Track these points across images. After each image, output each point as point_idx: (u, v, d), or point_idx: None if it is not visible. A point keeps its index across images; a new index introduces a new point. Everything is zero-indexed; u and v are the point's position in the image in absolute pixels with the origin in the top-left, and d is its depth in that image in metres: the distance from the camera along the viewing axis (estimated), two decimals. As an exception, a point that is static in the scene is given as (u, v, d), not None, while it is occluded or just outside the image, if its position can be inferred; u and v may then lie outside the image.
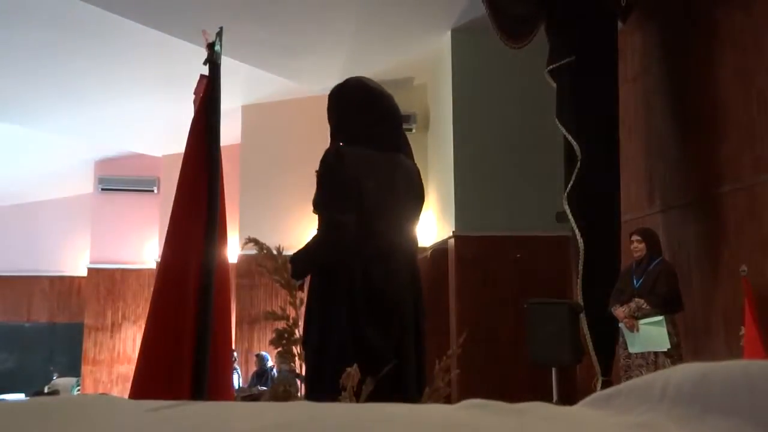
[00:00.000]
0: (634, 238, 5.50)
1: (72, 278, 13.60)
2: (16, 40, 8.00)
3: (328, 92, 2.83)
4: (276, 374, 9.48)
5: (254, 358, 9.73)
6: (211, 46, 2.41)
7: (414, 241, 2.69)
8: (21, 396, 10.38)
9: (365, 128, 2.63)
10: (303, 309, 2.30)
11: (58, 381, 11.68)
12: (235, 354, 9.68)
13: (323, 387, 2.04)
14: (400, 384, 2.36)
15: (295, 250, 2.60)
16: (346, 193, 2.50)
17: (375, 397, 1.83)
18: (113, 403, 0.86)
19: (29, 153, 12.01)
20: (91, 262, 12.79)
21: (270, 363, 9.41)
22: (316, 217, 2.68)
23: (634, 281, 5.40)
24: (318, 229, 2.60)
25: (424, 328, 2.62)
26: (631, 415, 0.73)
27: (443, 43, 8.29)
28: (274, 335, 1.92)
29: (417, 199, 2.70)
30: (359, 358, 2.01)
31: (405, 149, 2.73)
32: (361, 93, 2.70)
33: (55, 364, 12.92)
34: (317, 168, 2.61)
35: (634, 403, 0.75)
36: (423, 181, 2.79)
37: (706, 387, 0.69)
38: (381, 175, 2.58)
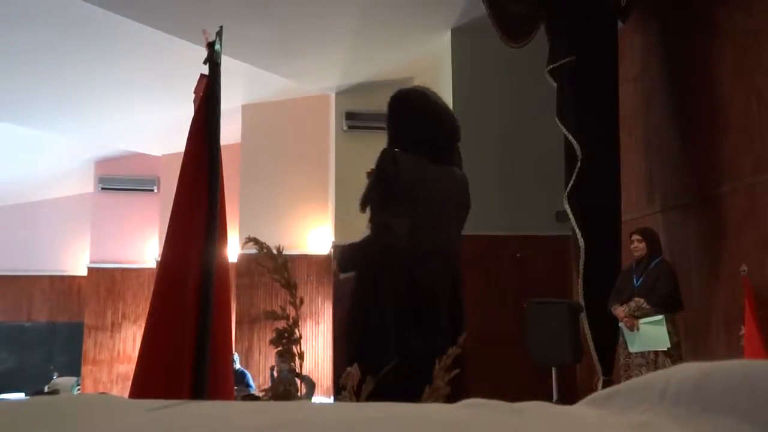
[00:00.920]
0: (634, 237, 5.50)
1: (72, 278, 13.59)
2: (16, 39, 8.00)
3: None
4: (273, 374, 9.50)
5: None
6: (211, 46, 2.41)
7: (457, 249, 2.78)
8: (21, 395, 10.38)
9: (425, 139, 2.70)
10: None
11: (58, 380, 11.67)
12: (236, 356, 9.68)
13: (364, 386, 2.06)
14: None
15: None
16: (400, 197, 2.56)
17: (409, 398, 1.84)
18: (113, 403, 0.86)
19: (29, 152, 12.01)
20: (91, 262, 12.80)
21: (237, 365, 9.41)
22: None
23: (634, 281, 5.40)
24: (370, 229, 2.63)
25: (462, 332, 2.69)
26: (631, 415, 0.73)
27: (443, 42, 8.29)
28: (274, 335, 1.91)
29: (464, 209, 2.81)
30: (401, 359, 2.05)
31: (457, 161, 2.81)
32: (427, 104, 2.78)
33: (55, 364, 12.91)
34: (369, 168, 2.68)
35: (634, 402, 0.75)
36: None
37: (706, 387, 0.69)
38: (433, 184, 2.66)
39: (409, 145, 2.68)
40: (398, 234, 2.51)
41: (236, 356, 9.40)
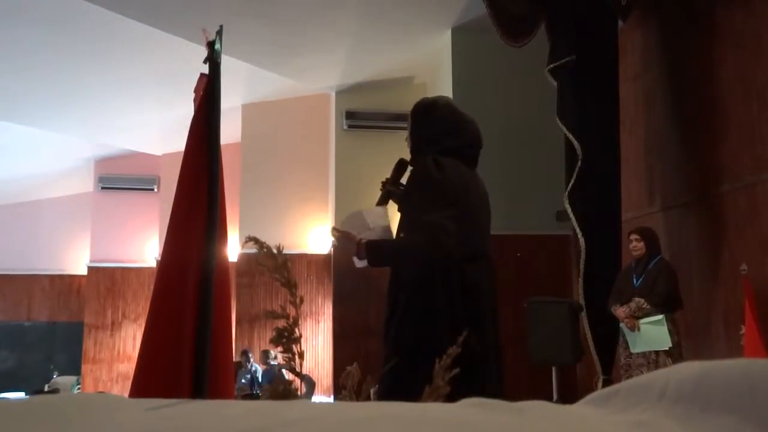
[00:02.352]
0: (633, 237, 5.50)
1: (72, 277, 13.60)
2: (16, 38, 8.00)
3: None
4: (260, 372, 9.49)
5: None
6: (211, 45, 2.41)
7: (490, 250, 2.90)
8: (21, 395, 10.38)
9: (457, 146, 2.80)
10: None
11: (58, 380, 11.67)
12: (251, 355, 9.68)
13: (413, 387, 2.08)
14: (487, 383, 2.53)
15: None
16: (447, 200, 2.62)
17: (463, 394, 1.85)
18: (113, 402, 0.86)
19: (29, 152, 12.01)
20: (91, 261, 12.80)
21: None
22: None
23: (634, 280, 5.40)
24: (413, 231, 2.67)
25: (499, 329, 2.80)
26: (631, 414, 0.73)
27: (443, 41, 8.29)
28: (274, 334, 1.91)
29: (490, 213, 2.95)
30: (459, 360, 2.06)
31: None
32: (455, 114, 2.89)
33: (55, 363, 12.91)
34: (385, 179, 2.84)
35: (634, 401, 0.75)
36: None
37: (706, 386, 0.69)
38: (473, 188, 2.79)
39: (443, 151, 2.76)
40: (452, 236, 2.57)
41: (272, 353, 9.38)
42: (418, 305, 2.59)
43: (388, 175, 2.99)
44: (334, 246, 2.75)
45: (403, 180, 2.93)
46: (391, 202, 2.93)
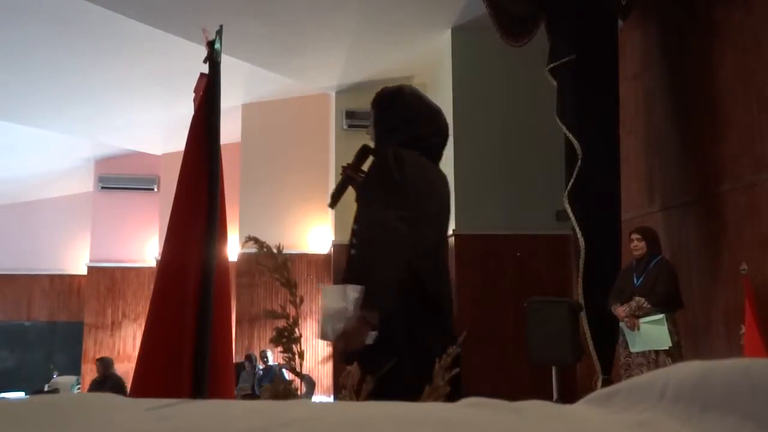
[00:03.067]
0: (634, 236, 5.50)
1: (72, 277, 13.60)
2: (16, 38, 8.00)
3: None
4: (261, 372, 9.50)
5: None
6: (211, 44, 2.41)
7: (447, 246, 2.83)
8: (21, 394, 10.38)
9: (415, 138, 2.66)
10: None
11: (58, 379, 11.67)
12: (256, 355, 9.68)
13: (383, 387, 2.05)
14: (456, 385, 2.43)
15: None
16: (404, 194, 2.52)
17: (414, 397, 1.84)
18: (113, 402, 0.86)
19: (29, 151, 12.01)
20: (91, 261, 12.80)
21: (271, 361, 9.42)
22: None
23: (635, 280, 5.40)
24: (363, 225, 2.57)
25: (453, 330, 2.73)
26: (631, 413, 0.73)
27: (443, 41, 8.29)
28: (274, 334, 1.91)
29: (449, 209, 2.83)
30: (416, 360, 2.04)
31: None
32: (421, 103, 2.77)
33: (55, 363, 12.92)
34: (345, 163, 2.70)
35: (634, 401, 0.75)
36: None
37: (706, 385, 0.69)
38: (433, 182, 2.66)
39: (406, 142, 2.64)
40: (401, 234, 2.46)
41: (269, 353, 9.37)
42: (370, 303, 2.45)
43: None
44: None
45: (366, 167, 2.80)
46: (350, 189, 2.81)
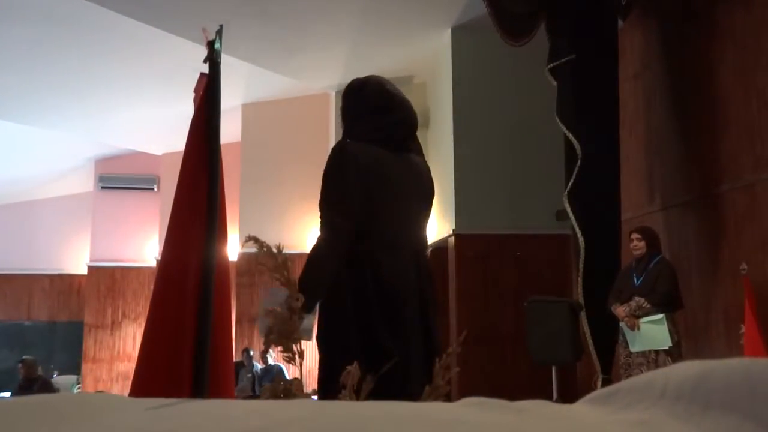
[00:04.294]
0: (634, 236, 5.50)
1: (72, 276, 13.60)
2: (15, 37, 8.00)
3: (341, 89, 2.80)
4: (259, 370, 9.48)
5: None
6: (211, 44, 2.41)
7: (421, 239, 2.70)
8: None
9: (377, 128, 2.62)
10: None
11: (59, 379, 11.68)
12: (252, 352, 9.67)
13: (334, 386, 2.04)
14: (408, 383, 2.34)
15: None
16: (349, 191, 2.47)
17: (382, 396, 1.84)
18: (113, 402, 0.86)
19: (29, 151, 12.01)
20: (91, 261, 12.80)
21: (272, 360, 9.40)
22: (315, 216, 2.66)
23: (634, 280, 5.40)
24: (319, 230, 2.56)
25: (434, 325, 2.62)
26: (631, 413, 0.73)
27: (443, 41, 8.29)
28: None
29: (426, 197, 2.71)
30: (367, 357, 2.02)
31: (416, 150, 2.73)
32: (377, 94, 2.69)
33: (55, 363, 12.92)
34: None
35: (634, 400, 0.75)
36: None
37: (706, 385, 0.69)
38: (387, 173, 2.57)
39: (364, 135, 2.60)
40: (344, 233, 2.44)
41: (271, 353, 9.33)
42: (329, 306, 2.47)
43: None
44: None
45: None
46: None
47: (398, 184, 2.58)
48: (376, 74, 2.87)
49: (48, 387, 9.08)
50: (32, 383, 8.96)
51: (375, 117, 2.64)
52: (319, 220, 2.54)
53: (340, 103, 2.87)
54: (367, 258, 2.47)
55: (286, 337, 2.14)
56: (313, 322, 2.48)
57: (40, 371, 9.45)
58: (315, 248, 2.51)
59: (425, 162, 2.76)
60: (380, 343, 2.39)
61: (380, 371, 1.93)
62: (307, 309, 2.30)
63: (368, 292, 2.44)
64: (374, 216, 2.50)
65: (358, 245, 2.46)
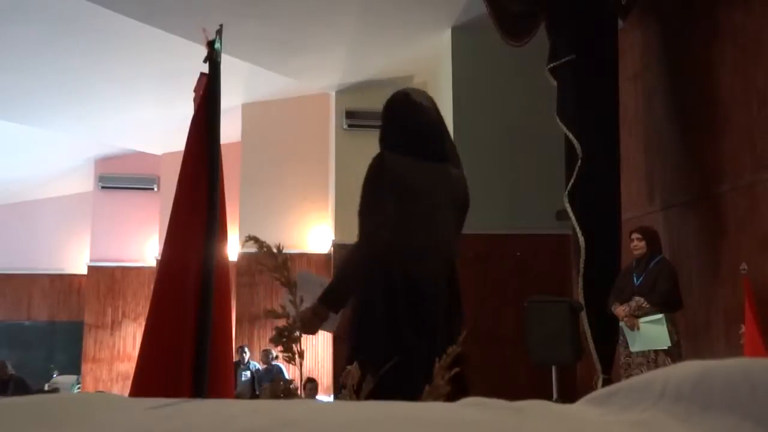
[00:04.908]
0: (635, 236, 5.50)
1: (72, 276, 13.59)
2: (15, 37, 8.00)
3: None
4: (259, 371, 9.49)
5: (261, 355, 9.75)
6: (211, 44, 2.41)
7: (452, 248, 2.76)
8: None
9: (407, 139, 2.72)
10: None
11: (59, 379, 11.67)
12: (246, 350, 9.68)
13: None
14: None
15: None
16: (383, 200, 2.58)
17: (402, 396, 1.85)
18: (113, 401, 0.86)
19: (29, 151, 12.01)
20: (91, 261, 12.80)
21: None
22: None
23: (635, 279, 5.40)
24: (358, 237, 2.66)
25: (459, 331, 2.69)
26: (630, 413, 0.73)
27: (443, 41, 8.29)
28: (274, 333, 1.91)
29: (460, 207, 2.79)
30: (395, 358, 2.05)
31: (452, 158, 2.81)
32: (403, 106, 2.80)
33: (56, 362, 12.92)
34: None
35: (633, 400, 0.75)
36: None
37: (706, 385, 0.69)
38: (422, 181, 2.67)
39: (396, 145, 2.70)
40: (380, 241, 2.53)
41: (273, 352, 9.34)
42: (363, 311, 2.56)
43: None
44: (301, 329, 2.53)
45: None
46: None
47: (430, 194, 2.67)
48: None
49: (22, 385, 9.04)
50: (6, 384, 8.95)
51: (401, 128, 2.75)
52: (358, 227, 2.64)
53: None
54: (400, 266, 2.54)
55: (307, 329, 2.29)
56: (336, 319, 2.62)
57: (11, 370, 9.38)
58: (350, 253, 2.64)
59: (462, 173, 2.84)
60: (408, 345, 2.44)
61: (407, 372, 1.97)
62: (335, 308, 2.53)
63: (399, 299, 2.52)
64: (407, 225, 2.59)
65: (390, 253, 2.55)
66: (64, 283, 13.69)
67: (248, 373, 9.44)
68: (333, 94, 9.96)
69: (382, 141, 2.78)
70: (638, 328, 5.22)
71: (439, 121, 2.82)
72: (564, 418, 0.75)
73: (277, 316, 1.88)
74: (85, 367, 12.34)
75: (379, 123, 2.88)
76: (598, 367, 5.67)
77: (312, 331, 2.55)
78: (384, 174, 2.60)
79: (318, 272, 10.46)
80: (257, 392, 9.08)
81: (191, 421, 0.72)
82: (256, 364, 9.67)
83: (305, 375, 1.85)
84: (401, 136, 2.73)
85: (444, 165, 2.75)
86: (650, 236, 5.50)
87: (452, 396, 2.47)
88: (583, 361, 5.99)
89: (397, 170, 2.62)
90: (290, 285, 1.92)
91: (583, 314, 5.76)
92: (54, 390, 10.54)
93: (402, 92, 2.88)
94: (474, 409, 0.76)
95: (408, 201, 2.60)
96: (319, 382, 9.78)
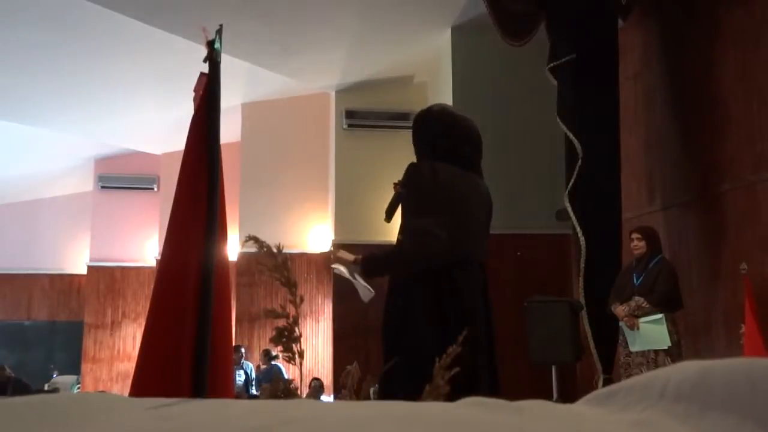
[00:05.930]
0: (635, 236, 5.50)
1: (72, 276, 13.59)
2: (15, 37, 8.00)
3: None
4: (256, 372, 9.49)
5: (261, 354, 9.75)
6: (210, 44, 2.41)
7: (485, 254, 2.94)
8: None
9: (450, 147, 2.84)
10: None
11: (58, 379, 11.66)
12: (242, 350, 9.68)
13: (399, 386, 2.14)
14: (473, 389, 2.45)
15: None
16: (438, 204, 2.68)
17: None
18: (113, 401, 0.86)
19: (29, 151, 12.01)
20: (91, 260, 12.79)
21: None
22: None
23: (635, 279, 5.40)
24: (403, 236, 2.75)
25: (494, 336, 2.85)
26: (631, 413, 0.73)
27: (443, 40, 8.28)
28: (274, 333, 1.91)
29: (488, 215, 2.98)
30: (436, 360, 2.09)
31: (480, 171, 2.98)
32: (447, 116, 2.97)
33: (55, 362, 12.91)
34: (396, 180, 2.82)
35: (634, 400, 0.75)
36: None
37: (706, 385, 0.69)
38: (461, 190, 2.80)
39: (438, 157, 2.81)
40: (441, 241, 2.61)
41: (273, 352, 9.33)
42: (408, 309, 2.63)
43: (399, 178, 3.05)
44: (333, 270, 2.87)
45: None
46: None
47: (469, 202, 2.82)
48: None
49: (22, 386, 9.04)
50: (5, 385, 8.97)
51: (442, 140, 2.86)
52: (403, 232, 2.73)
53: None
54: (446, 271, 2.65)
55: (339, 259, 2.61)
56: (370, 293, 2.78)
57: (9, 372, 9.40)
58: (408, 249, 2.70)
59: (487, 186, 3.01)
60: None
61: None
62: (367, 275, 2.71)
63: (446, 302, 2.62)
64: (455, 230, 2.68)
65: (443, 252, 2.65)
66: (63, 282, 13.69)
67: (242, 373, 9.42)
68: (333, 93, 9.96)
69: (425, 151, 2.88)
70: (638, 328, 5.22)
71: (477, 133, 2.96)
72: (564, 417, 0.75)
73: (277, 316, 1.88)
74: (85, 367, 12.33)
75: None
76: (599, 366, 5.67)
77: (338, 261, 2.76)
78: (437, 182, 2.71)
79: (318, 272, 10.46)
80: (249, 393, 9.07)
81: (191, 421, 0.72)
82: (250, 365, 9.66)
83: (305, 375, 1.84)
84: (445, 147, 2.83)
85: (477, 177, 2.92)
86: (650, 236, 5.50)
87: (491, 391, 2.59)
88: (583, 361, 5.99)
89: (448, 180, 2.74)
90: (290, 285, 1.92)
91: (583, 314, 5.76)
92: (54, 390, 10.54)
93: (442, 106, 3.08)
94: (474, 409, 0.76)
95: (456, 212, 2.71)
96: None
